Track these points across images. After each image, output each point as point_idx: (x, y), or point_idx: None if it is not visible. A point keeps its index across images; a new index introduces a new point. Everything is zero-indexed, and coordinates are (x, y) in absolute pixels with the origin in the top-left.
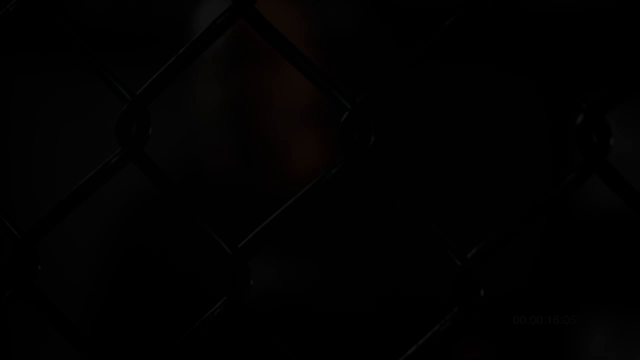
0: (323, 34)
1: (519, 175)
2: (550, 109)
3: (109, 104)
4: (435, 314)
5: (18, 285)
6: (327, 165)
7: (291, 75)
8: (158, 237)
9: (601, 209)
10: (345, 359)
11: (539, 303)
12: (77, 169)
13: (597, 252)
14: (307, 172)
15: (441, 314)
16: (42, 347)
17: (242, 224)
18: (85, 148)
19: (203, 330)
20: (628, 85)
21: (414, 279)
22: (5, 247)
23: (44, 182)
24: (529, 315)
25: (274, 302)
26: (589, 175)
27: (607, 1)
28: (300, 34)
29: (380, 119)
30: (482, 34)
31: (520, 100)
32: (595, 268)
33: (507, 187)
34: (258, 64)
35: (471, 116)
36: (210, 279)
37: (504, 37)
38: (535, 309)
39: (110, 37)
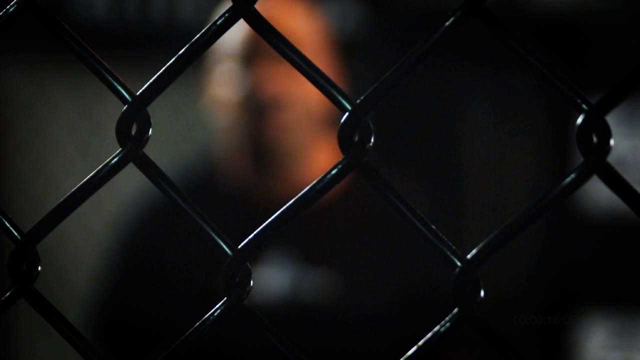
0: (334, 36)
1: (519, 175)
2: (550, 109)
3: (110, 105)
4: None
5: (18, 286)
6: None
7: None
8: (170, 238)
9: (602, 209)
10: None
11: (539, 303)
12: (78, 169)
13: (598, 252)
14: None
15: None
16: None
17: (253, 228)
18: (86, 148)
19: (203, 330)
20: (628, 86)
21: (426, 282)
22: (5, 248)
23: (44, 182)
24: (529, 315)
25: (288, 307)
26: (589, 176)
27: (607, 2)
28: (311, 36)
29: (380, 119)
30: (482, 34)
31: (520, 100)
32: (596, 268)
33: (507, 187)
34: (272, 66)
35: (471, 116)
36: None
37: (504, 37)
38: (535, 309)
39: (111, 38)
